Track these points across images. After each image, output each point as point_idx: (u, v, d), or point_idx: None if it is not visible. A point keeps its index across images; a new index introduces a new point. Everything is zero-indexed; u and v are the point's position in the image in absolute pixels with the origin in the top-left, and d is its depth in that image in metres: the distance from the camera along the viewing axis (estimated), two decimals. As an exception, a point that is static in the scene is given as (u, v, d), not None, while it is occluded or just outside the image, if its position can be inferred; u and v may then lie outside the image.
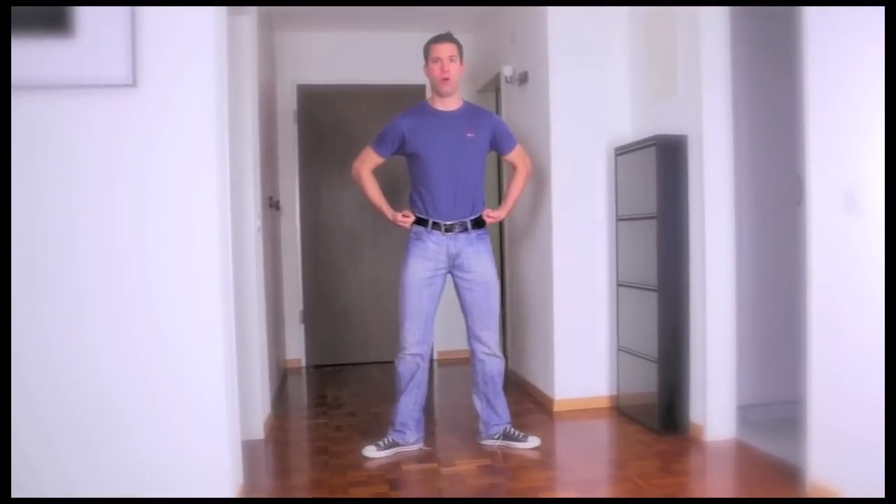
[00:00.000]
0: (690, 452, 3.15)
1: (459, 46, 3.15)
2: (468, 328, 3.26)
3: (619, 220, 3.77)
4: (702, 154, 3.20)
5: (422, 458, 3.15)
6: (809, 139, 2.53)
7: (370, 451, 3.14)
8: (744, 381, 3.33)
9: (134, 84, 2.31)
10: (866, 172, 2.28)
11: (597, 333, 3.90)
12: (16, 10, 2.22)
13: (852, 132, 2.36)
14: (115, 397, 2.35)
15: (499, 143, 3.27)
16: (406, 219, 3.15)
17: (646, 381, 3.47)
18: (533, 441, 3.23)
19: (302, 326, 5.34)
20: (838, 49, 2.40)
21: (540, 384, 4.09)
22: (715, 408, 3.24)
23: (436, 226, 3.12)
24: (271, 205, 4.31)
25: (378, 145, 3.20)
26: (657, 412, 3.36)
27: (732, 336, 3.26)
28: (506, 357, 4.87)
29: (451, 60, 3.10)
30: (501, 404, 3.28)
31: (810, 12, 2.49)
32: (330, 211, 5.34)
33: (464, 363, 5.40)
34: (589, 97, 3.84)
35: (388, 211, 3.22)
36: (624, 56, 3.86)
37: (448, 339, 5.49)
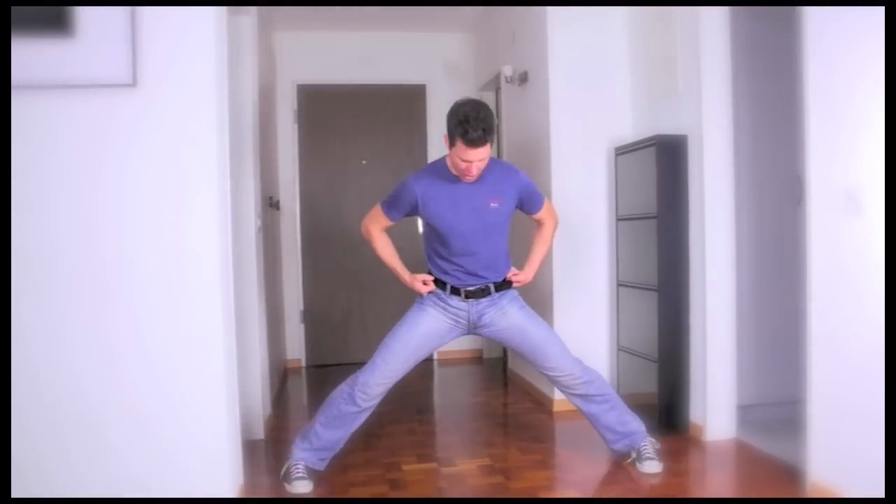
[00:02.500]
0: (690, 452, 3.15)
1: (493, 141, 2.66)
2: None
3: (619, 220, 3.77)
4: (702, 154, 3.20)
5: (422, 457, 3.15)
6: (809, 139, 2.53)
7: (303, 486, 2.74)
8: (744, 381, 3.32)
9: (134, 84, 2.31)
10: (866, 172, 2.28)
11: (597, 333, 3.90)
12: (16, 10, 2.22)
13: (852, 132, 2.36)
14: (115, 398, 2.35)
15: (527, 205, 2.89)
16: (426, 286, 2.83)
17: (646, 381, 3.47)
18: (650, 466, 2.88)
19: (302, 326, 5.34)
20: (838, 49, 2.40)
21: (540, 384, 4.09)
22: (715, 408, 3.24)
23: (455, 290, 2.82)
24: (271, 205, 4.31)
25: (389, 208, 2.84)
26: (657, 412, 3.36)
27: (732, 336, 3.26)
28: (506, 357, 4.93)
29: (482, 161, 2.64)
30: (605, 428, 2.98)
31: (810, 12, 2.49)
32: (330, 211, 5.34)
33: (464, 363, 5.42)
34: (589, 97, 3.84)
35: (405, 273, 2.89)
36: (624, 56, 3.86)
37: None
